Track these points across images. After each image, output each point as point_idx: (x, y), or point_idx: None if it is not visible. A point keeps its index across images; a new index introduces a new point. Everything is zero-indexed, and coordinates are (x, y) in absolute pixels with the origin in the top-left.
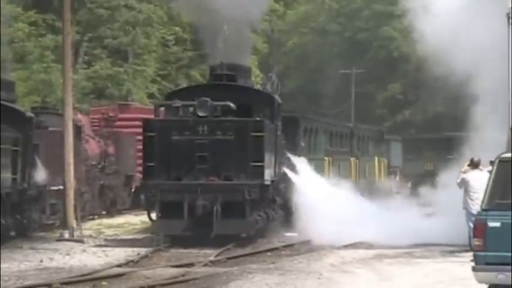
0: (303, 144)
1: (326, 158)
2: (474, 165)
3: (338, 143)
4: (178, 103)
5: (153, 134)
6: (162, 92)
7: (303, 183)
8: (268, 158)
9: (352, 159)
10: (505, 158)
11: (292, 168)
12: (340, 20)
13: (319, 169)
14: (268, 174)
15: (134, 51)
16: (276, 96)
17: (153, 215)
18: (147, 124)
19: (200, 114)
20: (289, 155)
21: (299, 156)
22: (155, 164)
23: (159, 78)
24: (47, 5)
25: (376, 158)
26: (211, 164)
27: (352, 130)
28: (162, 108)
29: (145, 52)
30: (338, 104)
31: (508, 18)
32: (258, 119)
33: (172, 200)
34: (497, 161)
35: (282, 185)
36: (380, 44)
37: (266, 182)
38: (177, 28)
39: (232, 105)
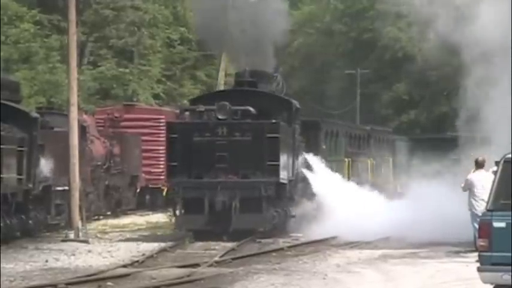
0: (324, 146)
1: (346, 159)
2: (479, 165)
3: (357, 145)
4: (201, 107)
5: (175, 135)
6: (168, 93)
7: (321, 183)
8: (285, 158)
9: (369, 160)
10: (510, 158)
11: (311, 169)
12: (345, 20)
13: (340, 169)
14: (284, 173)
15: (139, 51)
16: (294, 101)
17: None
18: (170, 126)
19: (219, 117)
20: (308, 156)
21: (320, 157)
22: (178, 164)
23: (164, 79)
24: (53, 6)
25: (390, 159)
26: (230, 163)
27: (369, 132)
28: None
29: (150, 52)
30: (343, 104)
31: None
32: (273, 121)
33: (193, 196)
34: (502, 161)
35: (300, 184)
36: (385, 44)
37: (282, 181)
38: (182, 28)
39: (251, 109)
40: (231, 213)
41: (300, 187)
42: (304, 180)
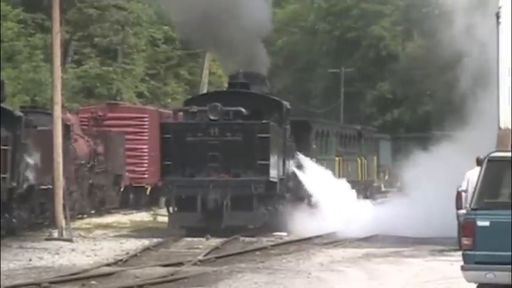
0: (314, 146)
1: (337, 158)
2: (479, 163)
3: (347, 144)
4: (194, 108)
5: (169, 136)
6: (151, 92)
7: (312, 182)
8: (275, 158)
9: (358, 159)
10: (494, 157)
11: (302, 168)
12: (329, 19)
13: (331, 168)
14: (274, 172)
15: (124, 50)
16: (285, 102)
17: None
18: (164, 127)
19: (211, 117)
20: (299, 155)
21: (311, 157)
22: (171, 163)
23: (148, 78)
24: (36, 4)
25: (374, 158)
26: (221, 163)
27: (360, 132)
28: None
29: (134, 51)
30: (327, 103)
31: (497, 18)
32: (264, 121)
33: (186, 194)
34: (486, 160)
35: (291, 183)
36: (369, 43)
37: (272, 179)
38: (166, 27)
39: (243, 110)
40: (222, 210)
41: (291, 186)
42: (295, 178)
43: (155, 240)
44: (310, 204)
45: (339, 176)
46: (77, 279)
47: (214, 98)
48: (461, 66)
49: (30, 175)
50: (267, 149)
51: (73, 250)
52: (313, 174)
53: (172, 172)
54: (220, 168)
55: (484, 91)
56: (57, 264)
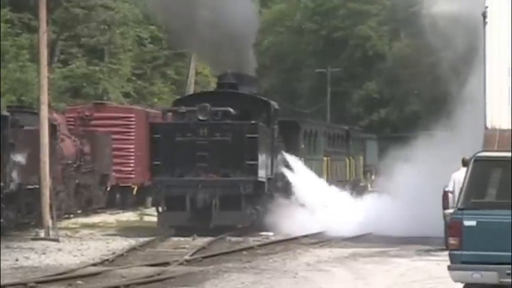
0: (303, 146)
1: (325, 158)
2: (465, 164)
3: (335, 144)
4: (183, 109)
5: (158, 136)
6: (138, 91)
7: (299, 181)
8: (263, 158)
9: (347, 159)
10: (481, 157)
11: (290, 167)
12: (316, 18)
13: (319, 168)
14: (263, 172)
15: (110, 50)
16: (273, 102)
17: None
18: (153, 127)
19: (200, 118)
20: (286, 155)
21: (299, 157)
22: (160, 163)
23: (134, 78)
24: (23, 4)
25: (361, 158)
26: (210, 163)
27: (348, 132)
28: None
29: (121, 51)
30: (314, 102)
31: (484, 18)
32: (252, 122)
33: (176, 194)
34: (472, 160)
35: (279, 182)
36: (356, 43)
37: (260, 179)
38: (152, 27)
39: (231, 110)
40: (211, 210)
41: (279, 185)
42: (283, 178)
43: (142, 240)
44: (298, 204)
45: (327, 176)
46: (63, 279)
47: (203, 98)
48: (447, 50)
49: (17, 175)
50: (256, 149)
51: (59, 250)
52: (301, 174)
53: (161, 172)
54: (209, 168)
55: (469, 85)
56: (44, 264)
